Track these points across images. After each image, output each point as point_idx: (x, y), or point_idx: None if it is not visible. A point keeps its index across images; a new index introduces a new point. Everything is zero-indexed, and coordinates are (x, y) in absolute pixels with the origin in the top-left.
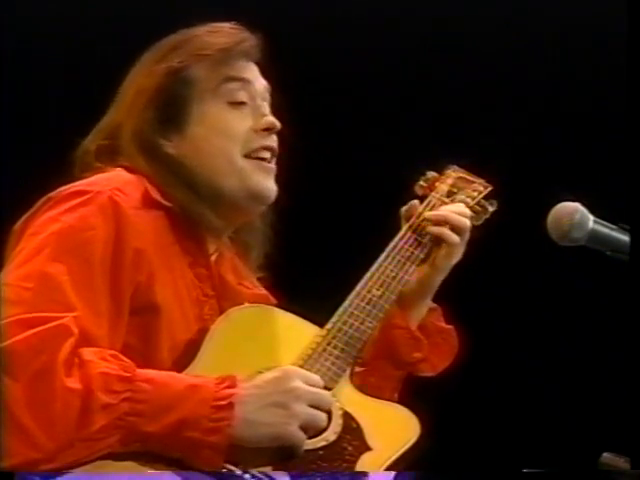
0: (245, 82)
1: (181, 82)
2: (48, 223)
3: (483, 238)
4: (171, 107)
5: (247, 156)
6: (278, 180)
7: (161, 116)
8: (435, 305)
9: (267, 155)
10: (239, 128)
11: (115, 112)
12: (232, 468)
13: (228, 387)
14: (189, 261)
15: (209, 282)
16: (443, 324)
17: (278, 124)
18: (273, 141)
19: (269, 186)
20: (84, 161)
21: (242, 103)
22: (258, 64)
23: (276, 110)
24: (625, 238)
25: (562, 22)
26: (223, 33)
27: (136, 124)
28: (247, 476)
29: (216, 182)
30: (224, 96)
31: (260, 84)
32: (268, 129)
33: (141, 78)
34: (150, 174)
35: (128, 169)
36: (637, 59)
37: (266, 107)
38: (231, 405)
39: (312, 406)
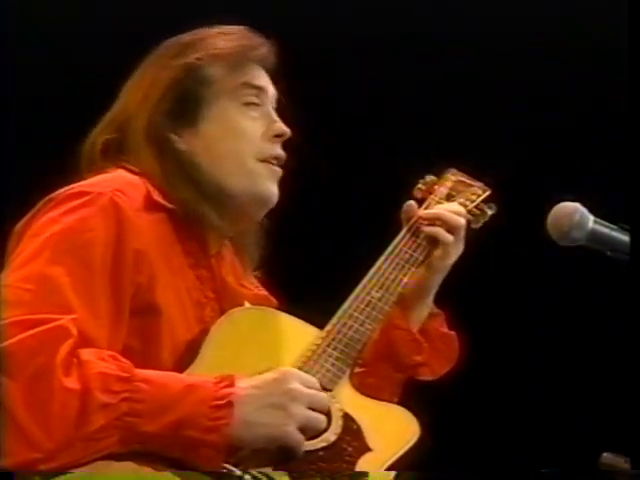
0: (260, 89)
1: (198, 79)
2: (48, 224)
3: (484, 240)
4: (185, 103)
5: (258, 160)
6: (279, 182)
7: (174, 111)
8: (438, 310)
9: (276, 163)
10: (252, 132)
11: (125, 104)
12: (232, 468)
13: (227, 387)
14: (190, 262)
15: (210, 284)
16: (445, 329)
17: (289, 131)
18: (281, 149)
19: (275, 191)
20: (89, 157)
21: (256, 108)
22: (268, 71)
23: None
24: (625, 238)
25: (562, 22)
26: (237, 36)
27: (148, 116)
28: (247, 477)
29: (223, 182)
30: (239, 99)
31: (271, 91)
32: (279, 135)
33: (156, 71)
34: (155, 170)
35: (130, 170)
36: (637, 59)
37: (275, 114)
38: (230, 404)
39: (310, 408)
